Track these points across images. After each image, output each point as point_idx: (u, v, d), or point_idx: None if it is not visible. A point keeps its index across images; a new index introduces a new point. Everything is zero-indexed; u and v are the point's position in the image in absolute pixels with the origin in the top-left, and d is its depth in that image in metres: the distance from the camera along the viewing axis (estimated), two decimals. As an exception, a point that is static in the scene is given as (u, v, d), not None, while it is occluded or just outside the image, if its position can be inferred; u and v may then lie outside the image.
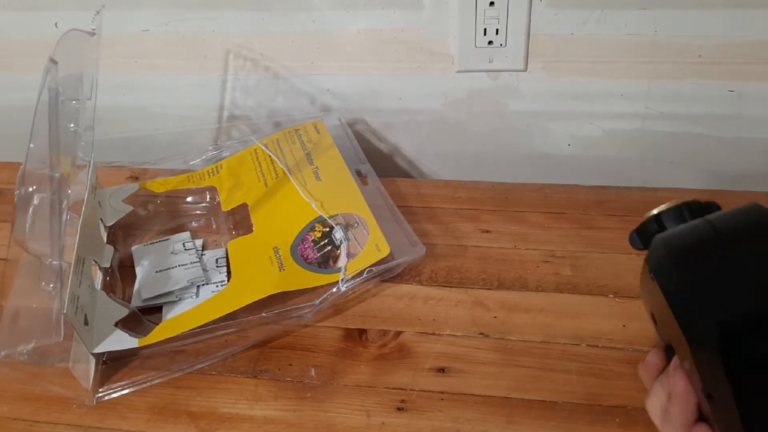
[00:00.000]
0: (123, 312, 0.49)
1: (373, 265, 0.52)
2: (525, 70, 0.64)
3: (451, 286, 0.53)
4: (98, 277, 0.54)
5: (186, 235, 0.59)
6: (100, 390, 0.47)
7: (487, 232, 0.58)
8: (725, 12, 0.58)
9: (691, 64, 0.62)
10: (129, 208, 0.61)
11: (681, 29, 0.60)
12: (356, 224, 0.56)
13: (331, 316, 0.51)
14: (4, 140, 0.68)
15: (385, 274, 0.54)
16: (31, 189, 0.43)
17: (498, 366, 0.47)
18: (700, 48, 0.61)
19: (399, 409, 0.45)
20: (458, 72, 0.66)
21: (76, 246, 0.48)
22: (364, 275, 0.52)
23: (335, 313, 0.52)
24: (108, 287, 0.54)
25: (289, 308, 0.51)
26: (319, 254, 0.54)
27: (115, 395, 0.47)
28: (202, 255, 0.57)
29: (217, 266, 0.56)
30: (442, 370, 0.47)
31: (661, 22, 0.60)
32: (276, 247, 0.55)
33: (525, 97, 0.66)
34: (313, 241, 0.55)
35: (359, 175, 0.62)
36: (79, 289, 0.46)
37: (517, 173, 0.72)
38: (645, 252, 0.34)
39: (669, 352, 0.33)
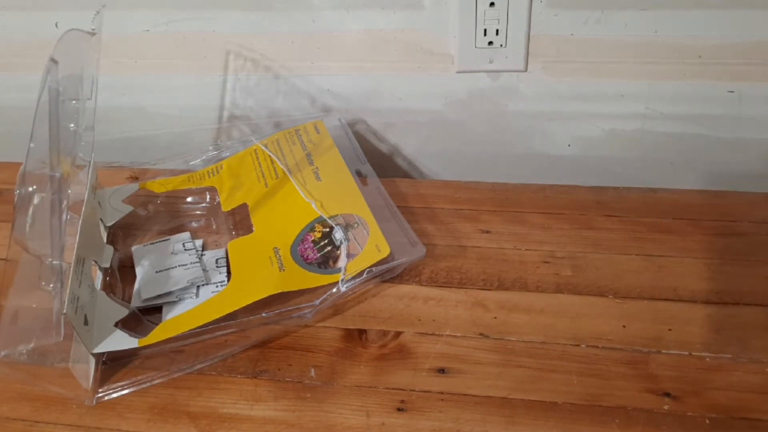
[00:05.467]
0: (123, 312, 0.49)
1: (373, 265, 0.52)
2: (525, 70, 0.65)
3: (451, 287, 0.53)
4: (98, 277, 0.54)
5: (186, 235, 0.59)
6: (100, 390, 0.47)
7: (487, 232, 0.58)
8: (725, 12, 0.59)
9: (691, 64, 0.62)
10: (129, 209, 0.61)
11: (681, 29, 0.60)
12: (356, 224, 0.56)
13: (331, 317, 0.51)
14: (4, 140, 0.68)
15: (385, 274, 0.54)
16: (31, 189, 0.43)
17: (498, 366, 0.47)
18: (701, 48, 0.61)
19: (399, 409, 0.45)
20: (458, 72, 0.66)
21: (76, 246, 0.48)
22: (364, 275, 0.52)
23: (335, 313, 0.52)
24: (108, 287, 0.54)
25: (289, 308, 0.51)
26: (319, 254, 0.54)
27: (115, 395, 0.47)
28: (202, 255, 0.57)
29: (217, 266, 0.56)
30: (442, 370, 0.47)
31: (662, 22, 0.60)
32: (276, 248, 0.55)
33: (525, 98, 0.66)
34: (313, 241, 0.55)
35: (359, 175, 0.62)
36: (79, 289, 0.46)
37: (517, 174, 0.72)
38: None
39: None
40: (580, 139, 0.68)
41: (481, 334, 0.49)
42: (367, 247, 0.54)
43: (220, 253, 0.57)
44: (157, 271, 0.55)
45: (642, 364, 0.46)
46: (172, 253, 0.57)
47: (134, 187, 0.63)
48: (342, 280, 0.52)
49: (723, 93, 0.63)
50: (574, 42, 0.62)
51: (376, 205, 0.58)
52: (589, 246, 0.56)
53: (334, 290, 0.51)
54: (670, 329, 0.48)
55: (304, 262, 0.54)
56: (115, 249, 0.57)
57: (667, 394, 0.44)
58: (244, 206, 0.61)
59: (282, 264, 0.53)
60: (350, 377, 0.47)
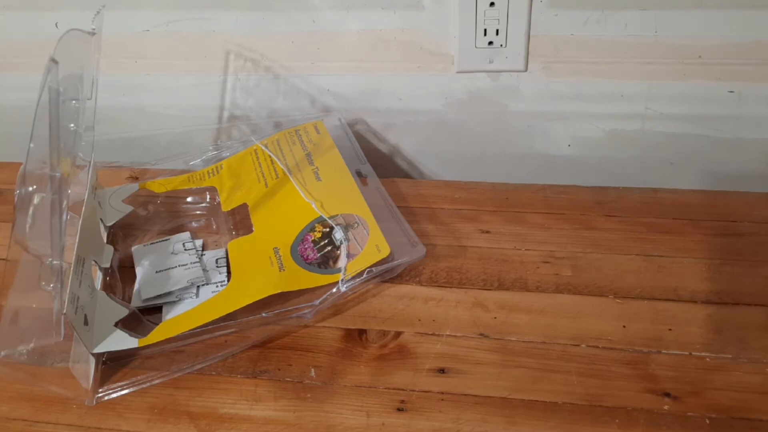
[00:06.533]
0: (123, 312, 0.49)
1: (373, 265, 0.52)
2: (525, 70, 0.65)
3: (451, 287, 0.53)
4: (98, 277, 0.54)
5: (186, 235, 0.59)
6: (100, 390, 0.47)
7: (487, 232, 0.58)
8: (725, 12, 0.59)
9: (691, 64, 0.62)
10: (129, 208, 0.61)
11: (681, 30, 0.60)
12: (356, 224, 0.56)
13: (331, 317, 0.51)
14: (5, 140, 0.68)
15: (385, 274, 0.54)
16: (31, 189, 0.43)
17: (498, 366, 0.47)
18: (701, 48, 0.61)
19: (399, 409, 0.45)
20: (458, 72, 0.66)
21: (76, 246, 0.48)
22: (364, 275, 0.52)
23: (335, 313, 0.52)
24: (108, 287, 0.54)
25: (289, 308, 0.51)
26: (319, 254, 0.54)
27: (114, 395, 0.47)
28: (202, 255, 0.57)
29: (217, 266, 0.56)
30: (442, 370, 0.47)
31: (662, 22, 0.60)
32: (276, 248, 0.55)
33: (525, 98, 0.66)
34: (313, 241, 0.55)
35: (359, 175, 0.62)
36: (79, 289, 0.46)
37: (517, 174, 0.72)
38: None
39: None
40: (580, 139, 0.68)
41: (481, 334, 0.49)
42: (367, 247, 0.54)
43: (220, 253, 0.57)
44: (157, 271, 0.55)
45: (642, 364, 0.46)
46: (172, 253, 0.57)
47: (134, 187, 0.63)
48: (342, 280, 0.52)
49: (723, 93, 0.63)
50: (574, 42, 0.62)
51: (376, 205, 0.58)
52: (589, 246, 0.56)
53: (334, 290, 0.51)
54: (670, 329, 0.48)
55: (304, 262, 0.54)
56: (115, 249, 0.57)
57: (667, 394, 0.44)
58: (244, 206, 0.61)
59: (282, 264, 0.53)
60: (350, 377, 0.47)
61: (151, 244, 0.58)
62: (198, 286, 0.54)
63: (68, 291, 0.44)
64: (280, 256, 0.54)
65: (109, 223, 0.60)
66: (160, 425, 0.45)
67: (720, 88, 0.63)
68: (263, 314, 0.50)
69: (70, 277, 0.45)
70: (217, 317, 0.49)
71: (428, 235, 0.58)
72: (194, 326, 0.49)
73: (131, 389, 0.47)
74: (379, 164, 0.70)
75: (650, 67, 0.63)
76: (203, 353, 0.49)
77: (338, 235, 0.55)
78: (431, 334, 0.49)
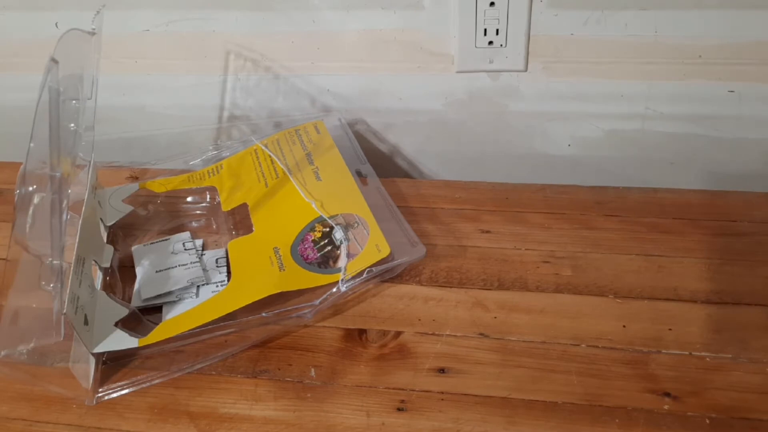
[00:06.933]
0: (123, 312, 0.49)
1: (373, 265, 0.52)
2: (525, 70, 0.65)
3: (451, 287, 0.53)
4: (98, 277, 0.54)
5: (186, 235, 0.59)
6: (100, 390, 0.47)
7: (487, 232, 0.58)
8: (725, 12, 0.59)
9: (691, 64, 0.62)
10: (129, 208, 0.61)
11: (681, 30, 0.60)
12: (356, 224, 0.56)
13: (331, 317, 0.51)
14: (5, 140, 0.68)
15: (385, 274, 0.54)
16: (31, 189, 0.43)
17: (498, 366, 0.47)
18: (701, 48, 0.61)
19: (399, 409, 0.45)
20: (458, 72, 0.66)
21: (76, 246, 0.48)
22: (364, 275, 0.52)
23: (335, 313, 0.52)
24: (108, 287, 0.54)
25: (289, 308, 0.51)
26: (319, 254, 0.54)
27: (114, 395, 0.47)
28: (202, 255, 0.57)
29: (217, 266, 0.56)
30: (442, 370, 0.47)
31: (662, 22, 0.60)
32: (276, 247, 0.55)
33: (525, 98, 0.66)
34: (313, 241, 0.55)
35: (359, 175, 0.62)
36: (79, 289, 0.46)
37: (517, 174, 0.72)
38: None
39: None
40: (580, 139, 0.68)
41: (481, 334, 0.49)
42: (367, 247, 0.54)
43: (220, 252, 0.57)
44: (157, 271, 0.55)
45: (642, 364, 0.46)
46: (172, 252, 0.57)
47: (134, 187, 0.63)
48: (342, 280, 0.52)
49: (723, 93, 0.63)
50: (574, 42, 0.62)
51: (376, 205, 0.58)
52: (589, 246, 0.56)
53: (334, 290, 0.51)
54: (670, 329, 0.48)
55: (304, 261, 0.54)
56: (115, 249, 0.57)
57: (667, 394, 0.44)
58: (244, 206, 0.61)
59: (282, 264, 0.53)
60: (350, 377, 0.47)
61: (151, 243, 0.59)
62: (198, 286, 0.54)
63: (68, 291, 0.44)
64: (280, 256, 0.54)
65: (109, 223, 0.60)
66: (160, 425, 0.45)
67: (720, 88, 0.63)
68: (263, 314, 0.50)
69: (70, 277, 0.45)
70: (217, 317, 0.49)
71: (428, 235, 0.58)
72: (194, 326, 0.49)
73: (131, 389, 0.47)
74: (379, 164, 0.70)
75: (650, 67, 0.63)
76: (203, 353, 0.49)
77: (338, 234, 0.55)
78: (431, 334, 0.49)
